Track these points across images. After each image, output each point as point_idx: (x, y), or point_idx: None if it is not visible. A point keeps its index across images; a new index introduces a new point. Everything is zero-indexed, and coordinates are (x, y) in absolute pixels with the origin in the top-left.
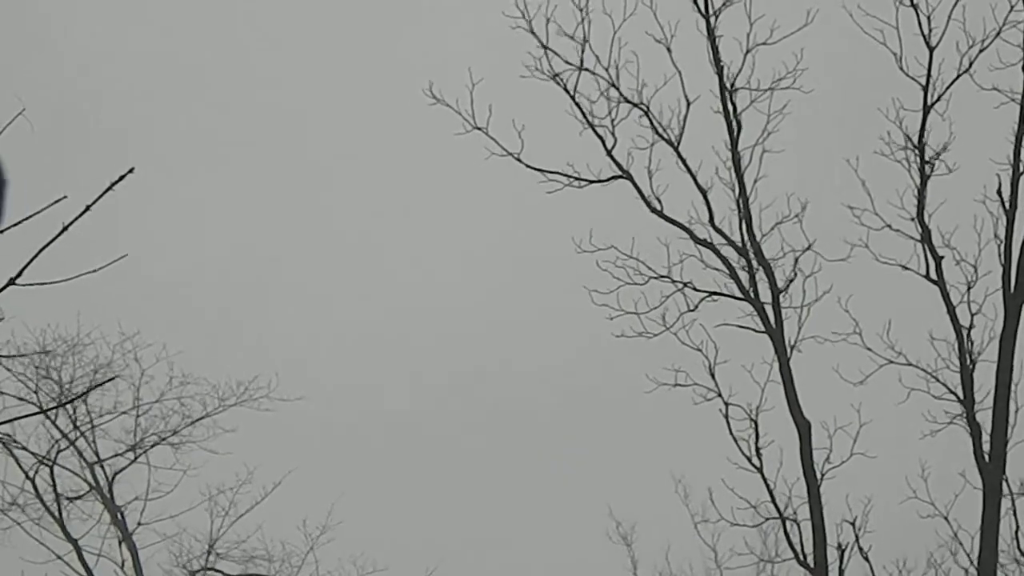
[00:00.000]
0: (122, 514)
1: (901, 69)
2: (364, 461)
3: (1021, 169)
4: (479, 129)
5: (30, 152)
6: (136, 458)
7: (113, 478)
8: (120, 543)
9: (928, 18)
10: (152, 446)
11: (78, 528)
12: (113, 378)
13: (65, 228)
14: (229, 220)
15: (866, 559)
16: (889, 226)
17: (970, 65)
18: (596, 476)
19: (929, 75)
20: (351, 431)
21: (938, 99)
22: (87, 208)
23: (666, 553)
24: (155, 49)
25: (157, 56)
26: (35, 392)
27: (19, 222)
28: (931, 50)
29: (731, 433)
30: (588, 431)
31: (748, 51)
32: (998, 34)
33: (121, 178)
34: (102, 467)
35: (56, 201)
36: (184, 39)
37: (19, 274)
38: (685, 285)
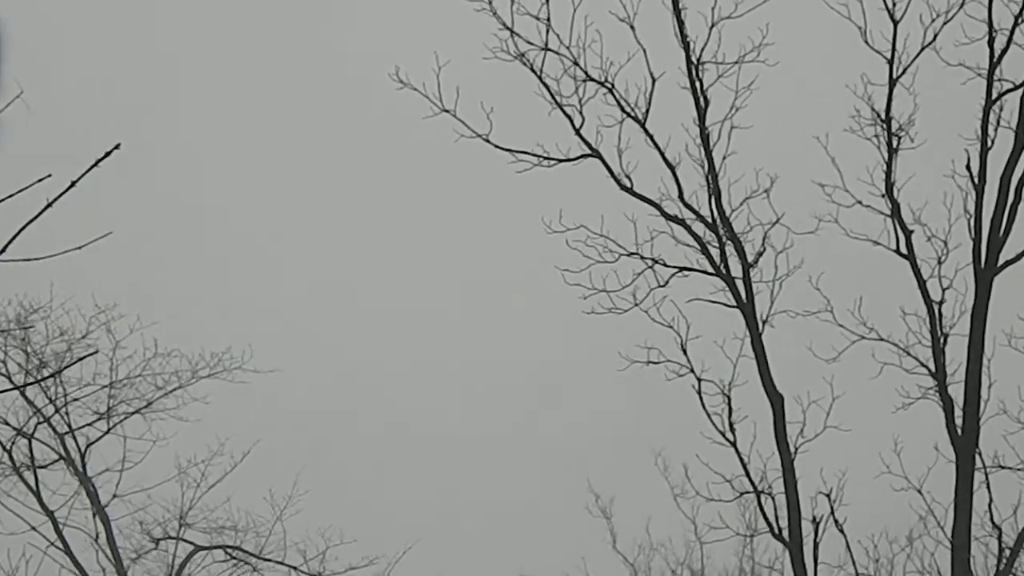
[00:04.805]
0: (94, 486)
1: (866, 43)
2: (334, 434)
3: (989, 144)
4: (447, 112)
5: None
6: (109, 429)
7: (86, 449)
8: (94, 515)
9: None
10: (125, 417)
11: (54, 500)
12: (94, 352)
13: (49, 204)
14: (206, 194)
15: (841, 531)
16: (860, 202)
17: (934, 37)
18: (574, 449)
19: (894, 49)
20: (322, 403)
21: (903, 72)
22: (72, 184)
23: (646, 526)
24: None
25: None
26: (3, 363)
27: (2, 199)
28: (895, 23)
29: (704, 408)
30: (565, 405)
31: (713, 25)
32: (962, 5)
33: (107, 154)
34: (74, 437)
35: (40, 180)
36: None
37: (2, 250)
38: (655, 262)
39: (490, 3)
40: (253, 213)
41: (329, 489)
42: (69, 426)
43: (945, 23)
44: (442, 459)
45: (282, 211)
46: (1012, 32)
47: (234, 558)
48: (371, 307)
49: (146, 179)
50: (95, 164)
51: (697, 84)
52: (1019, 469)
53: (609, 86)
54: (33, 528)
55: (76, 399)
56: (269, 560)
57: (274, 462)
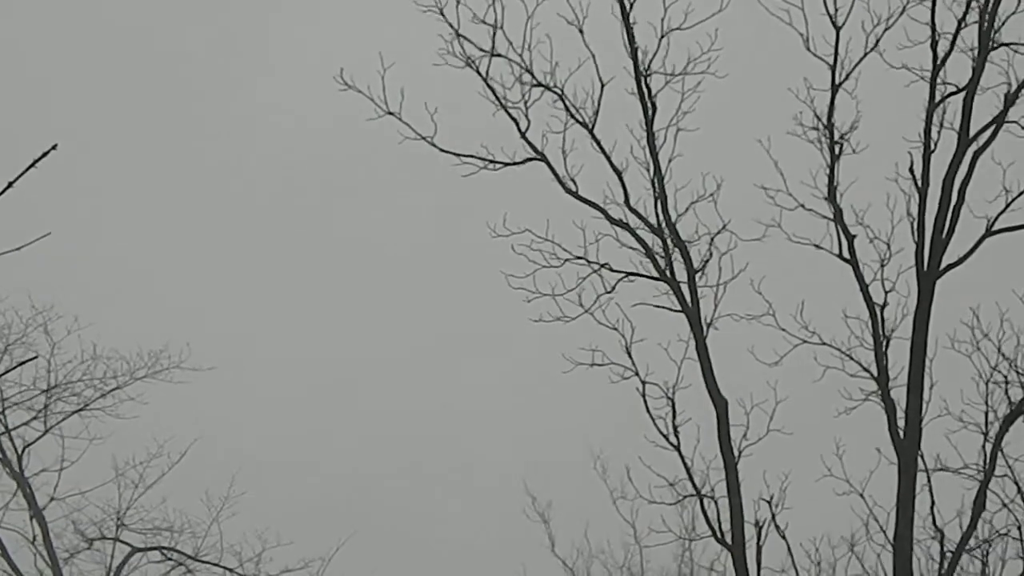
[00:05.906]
0: (31, 488)
1: (808, 49)
2: (273, 434)
3: (932, 147)
4: (392, 114)
5: None
6: (47, 430)
7: (23, 451)
8: (31, 518)
9: None
10: (63, 418)
11: None
12: (34, 357)
13: None
14: (140, 196)
15: (783, 537)
16: (802, 206)
17: (876, 43)
18: (512, 453)
19: (836, 55)
20: (260, 402)
21: (846, 78)
22: (9, 185)
23: (585, 530)
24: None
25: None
26: None
27: None
28: (838, 30)
29: (648, 411)
30: (503, 407)
31: (663, 36)
32: (903, 11)
33: (44, 155)
34: (11, 438)
35: None
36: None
37: None
38: (601, 266)
39: (439, 8)
40: (182, 214)
41: (265, 490)
42: (5, 427)
43: (887, 30)
44: (377, 460)
45: (212, 214)
46: (955, 36)
47: (170, 559)
48: (308, 307)
49: (84, 178)
50: (32, 165)
51: (645, 92)
52: (960, 471)
53: (558, 92)
54: None
55: (15, 403)
56: (205, 562)
57: (210, 463)
